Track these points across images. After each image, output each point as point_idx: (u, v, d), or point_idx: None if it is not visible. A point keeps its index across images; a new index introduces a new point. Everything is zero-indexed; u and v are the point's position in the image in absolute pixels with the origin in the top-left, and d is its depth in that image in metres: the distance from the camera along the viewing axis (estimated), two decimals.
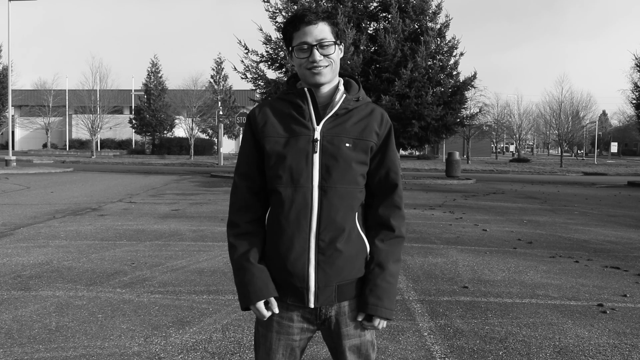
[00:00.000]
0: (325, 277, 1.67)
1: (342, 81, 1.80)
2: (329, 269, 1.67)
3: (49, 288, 4.83)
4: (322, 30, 1.68)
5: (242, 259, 1.71)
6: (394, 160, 1.78)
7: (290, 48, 1.74)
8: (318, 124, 1.71)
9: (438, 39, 20.81)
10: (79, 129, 50.76)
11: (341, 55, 1.78)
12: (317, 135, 1.69)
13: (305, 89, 1.74)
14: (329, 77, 1.72)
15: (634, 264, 6.31)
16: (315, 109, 1.73)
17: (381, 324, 1.73)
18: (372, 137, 1.73)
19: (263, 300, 1.69)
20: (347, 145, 1.69)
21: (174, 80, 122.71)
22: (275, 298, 1.71)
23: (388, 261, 1.72)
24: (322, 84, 1.72)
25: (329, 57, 1.69)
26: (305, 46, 1.68)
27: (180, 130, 48.26)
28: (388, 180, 1.77)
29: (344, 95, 1.75)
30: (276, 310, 1.70)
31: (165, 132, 47.94)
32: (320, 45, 1.68)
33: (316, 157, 1.68)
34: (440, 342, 3.69)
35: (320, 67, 1.69)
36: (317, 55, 1.67)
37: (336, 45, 1.72)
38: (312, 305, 1.68)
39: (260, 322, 1.77)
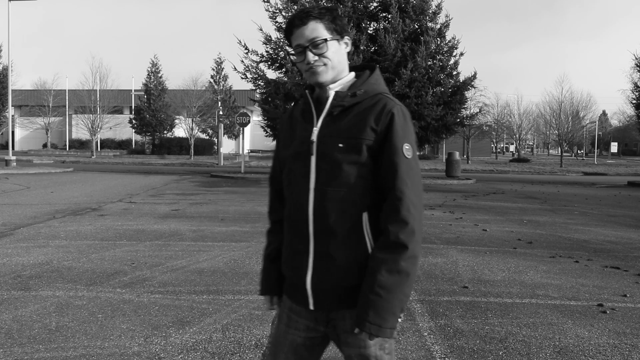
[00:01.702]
0: (320, 282, 1.64)
1: (348, 76, 1.71)
2: (323, 274, 1.64)
3: (49, 288, 4.84)
4: (313, 30, 1.62)
5: (264, 255, 1.90)
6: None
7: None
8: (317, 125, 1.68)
9: (438, 39, 20.82)
10: (79, 129, 50.70)
11: (348, 48, 1.70)
12: (314, 137, 1.65)
13: (306, 91, 1.73)
14: (330, 75, 1.65)
15: (634, 264, 6.32)
16: (317, 109, 1.69)
17: (370, 339, 1.57)
18: (367, 135, 1.60)
19: (268, 295, 1.85)
20: (340, 145, 1.61)
21: (174, 80, 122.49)
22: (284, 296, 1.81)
23: (379, 270, 1.56)
24: (322, 83, 1.66)
25: (323, 56, 1.63)
26: (300, 49, 1.65)
27: (180, 130, 48.19)
28: (387, 182, 1.61)
29: (333, 92, 1.67)
30: (275, 308, 1.85)
31: (165, 132, 47.88)
32: (313, 45, 1.62)
33: (313, 160, 1.65)
34: (440, 342, 3.69)
35: (316, 67, 1.63)
36: (311, 56, 1.63)
37: (331, 42, 1.64)
38: (311, 307, 1.68)
39: (278, 311, 1.85)
